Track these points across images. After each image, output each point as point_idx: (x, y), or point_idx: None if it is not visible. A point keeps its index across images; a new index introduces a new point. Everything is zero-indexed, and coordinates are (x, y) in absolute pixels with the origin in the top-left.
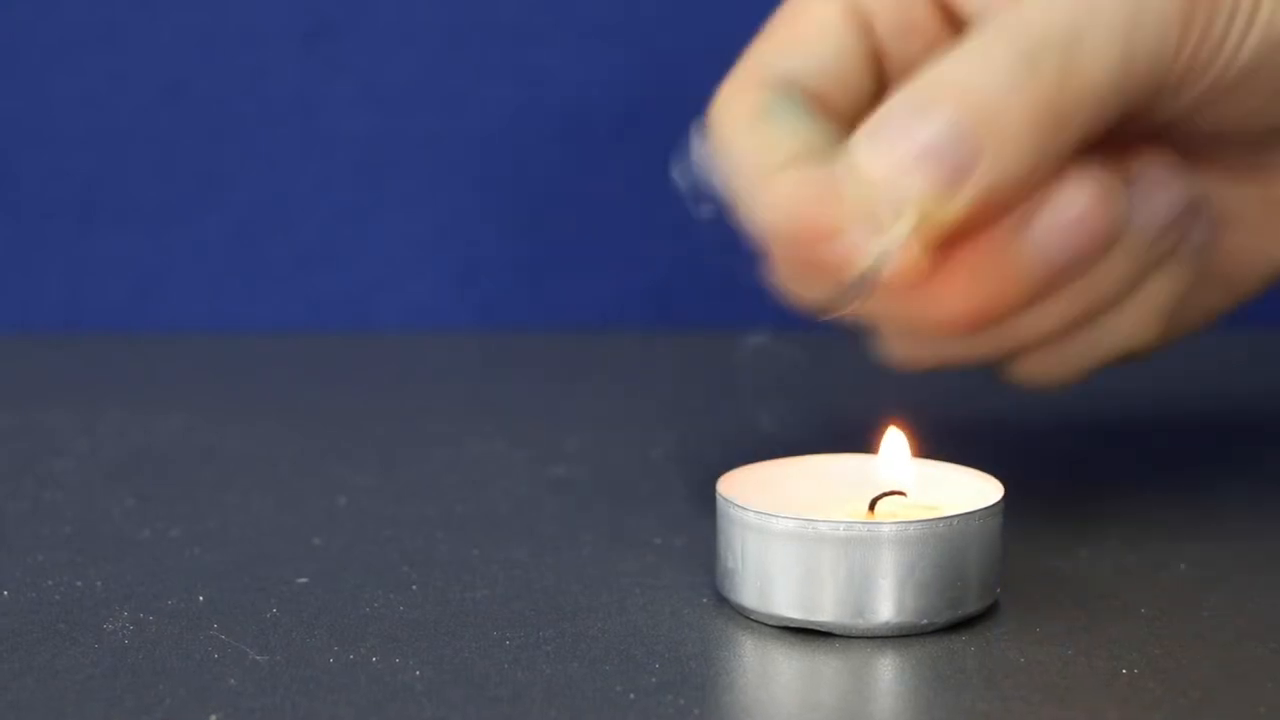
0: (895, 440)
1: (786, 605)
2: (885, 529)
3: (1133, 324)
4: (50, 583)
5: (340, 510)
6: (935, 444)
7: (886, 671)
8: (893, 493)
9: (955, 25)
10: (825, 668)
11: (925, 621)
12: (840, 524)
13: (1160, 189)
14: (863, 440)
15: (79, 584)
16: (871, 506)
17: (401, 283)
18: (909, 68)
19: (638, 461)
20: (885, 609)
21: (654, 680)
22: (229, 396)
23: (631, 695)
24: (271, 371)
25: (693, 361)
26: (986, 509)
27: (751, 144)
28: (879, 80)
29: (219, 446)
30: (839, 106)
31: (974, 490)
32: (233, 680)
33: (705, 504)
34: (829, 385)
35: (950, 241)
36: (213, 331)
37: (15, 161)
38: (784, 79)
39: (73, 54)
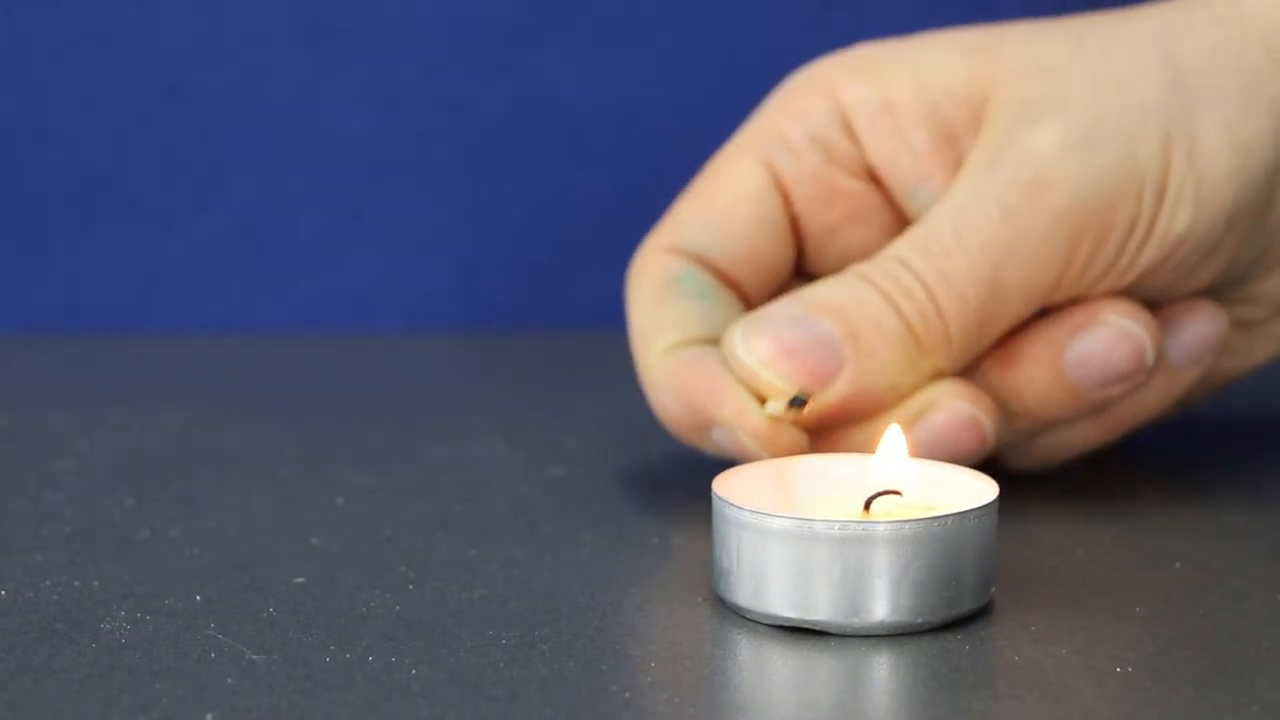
0: (894, 439)
1: (782, 604)
2: (880, 528)
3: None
4: (48, 582)
5: (339, 510)
6: None
7: (881, 670)
8: (888, 492)
9: (883, 191)
10: (820, 667)
11: (920, 620)
12: (835, 523)
13: (1194, 327)
14: None
15: (77, 584)
16: (867, 505)
17: (401, 283)
18: (829, 235)
19: (636, 461)
20: (880, 608)
21: (649, 679)
22: (229, 396)
23: (627, 694)
24: (271, 371)
25: None
26: (982, 508)
27: (648, 321)
28: (794, 248)
29: (218, 446)
30: (746, 280)
31: (969, 489)
32: (230, 680)
33: (702, 504)
34: None
35: (832, 422)
36: (213, 331)
37: (15, 161)
38: (694, 251)
39: (73, 54)
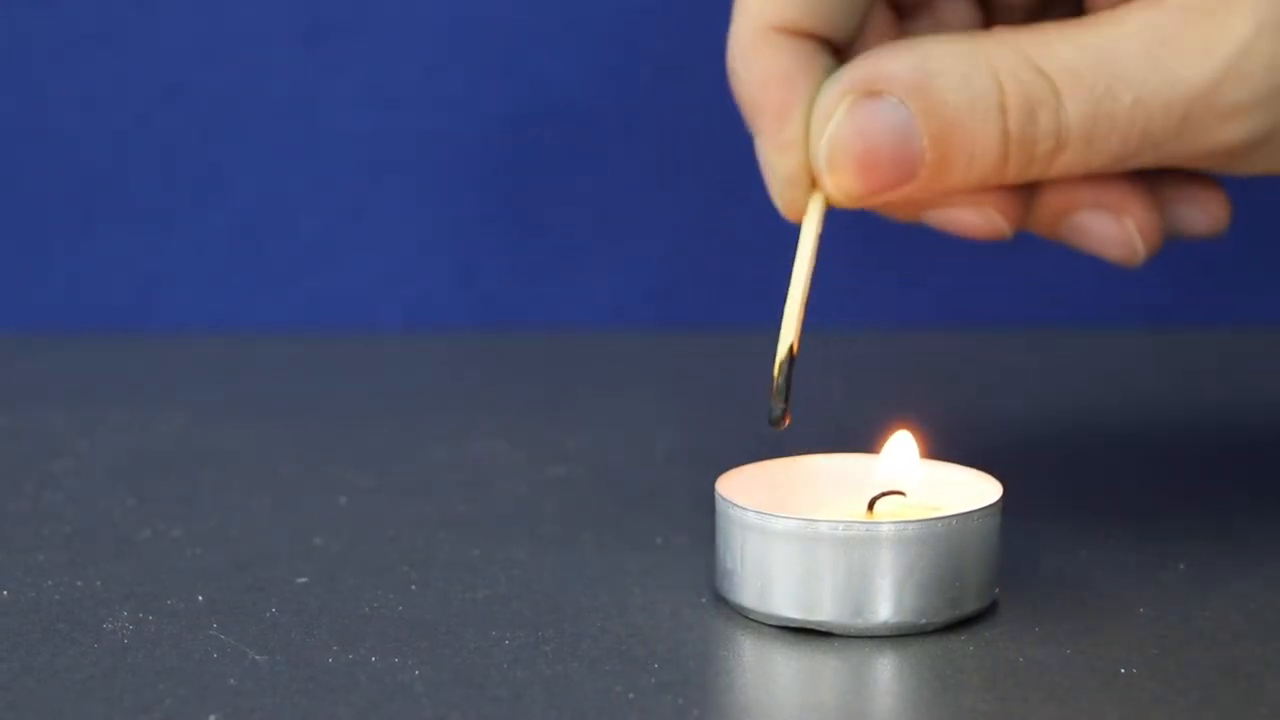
0: (902, 442)
1: (786, 605)
2: (884, 529)
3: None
4: (50, 582)
5: (341, 510)
6: (936, 444)
7: (885, 671)
8: (892, 492)
9: None
10: (824, 667)
11: (924, 621)
12: (839, 524)
13: (1195, 217)
14: (863, 440)
15: (79, 584)
16: (871, 506)
17: (401, 283)
18: None
19: (638, 461)
20: (884, 609)
21: (654, 680)
22: (229, 396)
23: (631, 695)
24: (271, 371)
25: (693, 361)
26: (985, 508)
27: None
28: None
29: (219, 446)
30: None
31: (973, 490)
32: (232, 680)
33: (705, 504)
34: (831, 384)
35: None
36: (213, 331)
37: (15, 161)
38: None
39: (73, 54)
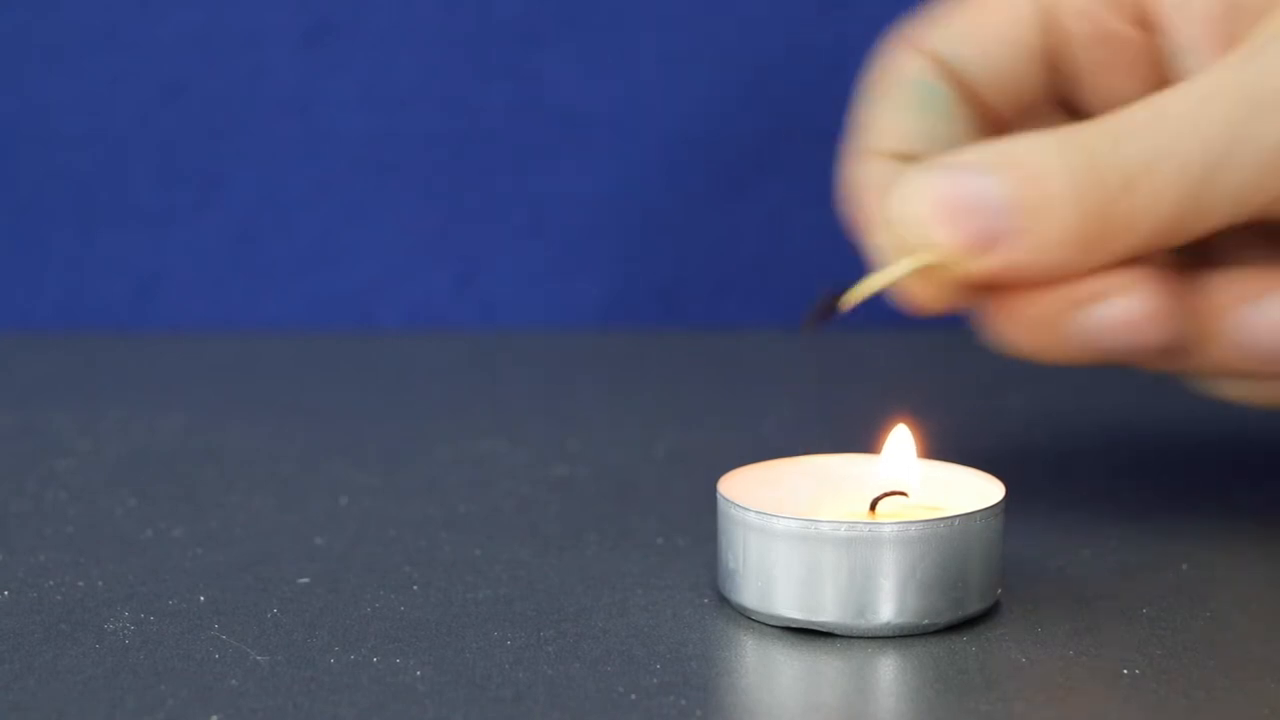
0: (900, 439)
1: (788, 605)
2: (887, 529)
3: None
4: (52, 583)
5: (342, 510)
6: (937, 444)
7: (888, 672)
8: (894, 493)
9: (1153, 42)
10: (827, 668)
11: (927, 622)
12: (842, 524)
13: (1260, 336)
14: (864, 440)
15: (80, 584)
16: (873, 506)
17: (401, 283)
18: (1092, 77)
19: (640, 461)
20: (887, 609)
21: (656, 681)
22: (229, 396)
23: (633, 696)
24: (271, 371)
25: (694, 360)
26: (988, 509)
27: (868, 115)
28: (1051, 82)
29: (220, 446)
30: (994, 104)
31: (976, 490)
32: (234, 681)
33: (707, 504)
34: (831, 384)
35: (991, 287)
36: (213, 331)
37: (15, 162)
38: (945, 58)
39: (73, 54)
